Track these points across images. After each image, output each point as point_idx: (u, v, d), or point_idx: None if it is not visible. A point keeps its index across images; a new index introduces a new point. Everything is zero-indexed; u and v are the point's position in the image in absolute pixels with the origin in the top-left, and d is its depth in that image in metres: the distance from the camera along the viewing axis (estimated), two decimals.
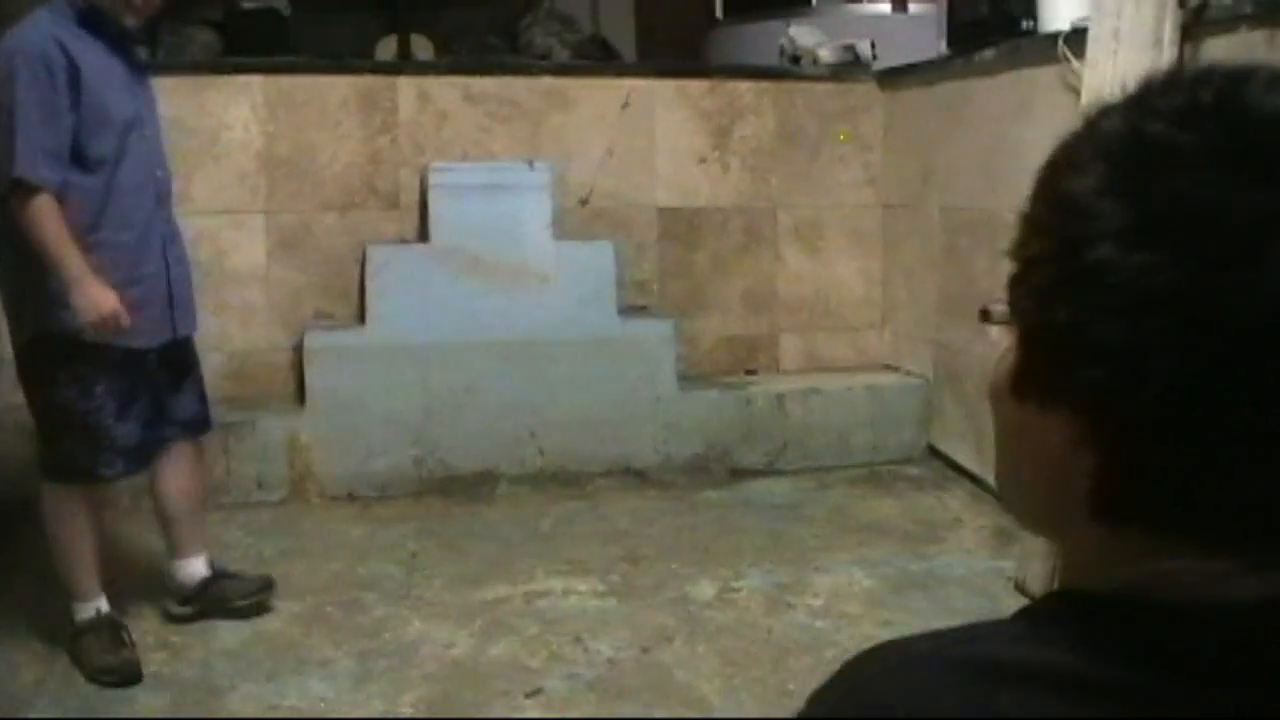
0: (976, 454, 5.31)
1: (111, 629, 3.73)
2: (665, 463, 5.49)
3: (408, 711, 3.45)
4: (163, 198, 3.77)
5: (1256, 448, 0.66)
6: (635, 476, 5.48)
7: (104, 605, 3.77)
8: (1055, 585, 0.79)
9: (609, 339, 5.51)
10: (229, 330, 5.61)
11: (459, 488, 5.35)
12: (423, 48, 7.61)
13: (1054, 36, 4.43)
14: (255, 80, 5.64)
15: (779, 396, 5.73)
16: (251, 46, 6.47)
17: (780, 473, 5.61)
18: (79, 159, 3.49)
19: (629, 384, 5.51)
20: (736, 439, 5.61)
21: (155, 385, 3.82)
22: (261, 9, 7.15)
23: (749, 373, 6.07)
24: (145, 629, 3.93)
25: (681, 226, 6.02)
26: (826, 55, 6.30)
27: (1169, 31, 3.74)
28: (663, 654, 3.79)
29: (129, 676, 3.61)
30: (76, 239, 3.46)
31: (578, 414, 5.45)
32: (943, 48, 5.88)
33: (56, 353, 3.57)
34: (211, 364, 5.56)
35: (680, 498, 5.23)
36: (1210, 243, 0.65)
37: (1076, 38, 4.20)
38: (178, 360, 3.88)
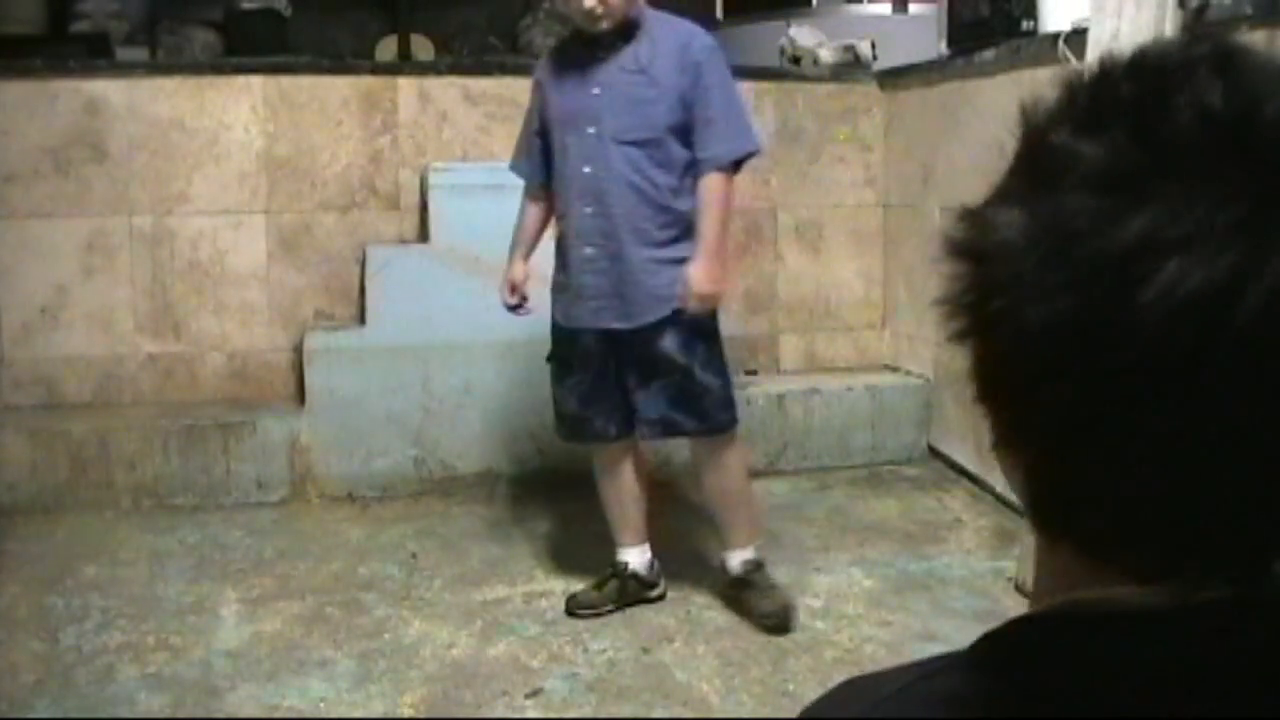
0: (977, 454, 5.31)
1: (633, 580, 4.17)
2: (664, 463, 5.48)
3: (408, 712, 3.45)
4: (591, 192, 3.89)
5: (1154, 469, 0.64)
6: None
7: (630, 557, 4.17)
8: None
9: None
10: (229, 330, 5.62)
11: (459, 488, 5.35)
12: (423, 48, 7.61)
13: (1054, 37, 4.43)
14: (255, 80, 5.64)
15: (779, 397, 5.73)
16: (252, 47, 6.48)
17: (780, 473, 5.61)
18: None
19: None
20: None
21: (620, 375, 3.99)
22: (262, 9, 7.15)
23: (749, 373, 6.06)
24: (145, 629, 3.93)
25: None
26: (827, 56, 6.30)
27: (1169, 32, 3.74)
28: (662, 654, 3.80)
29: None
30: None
31: None
32: (943, 48, 5.88)
33: None
34: (211, 364, 5.60)
35: (679, 498, 5.22)
36: (1092, 275, 0.63)
37: (1077, 38, 4.20)
38: (644, 359, 3.94)
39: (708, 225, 3.82)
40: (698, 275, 3.78)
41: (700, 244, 3.81)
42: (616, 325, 3.92)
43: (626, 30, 3.84)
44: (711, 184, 3.83)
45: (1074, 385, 0.65)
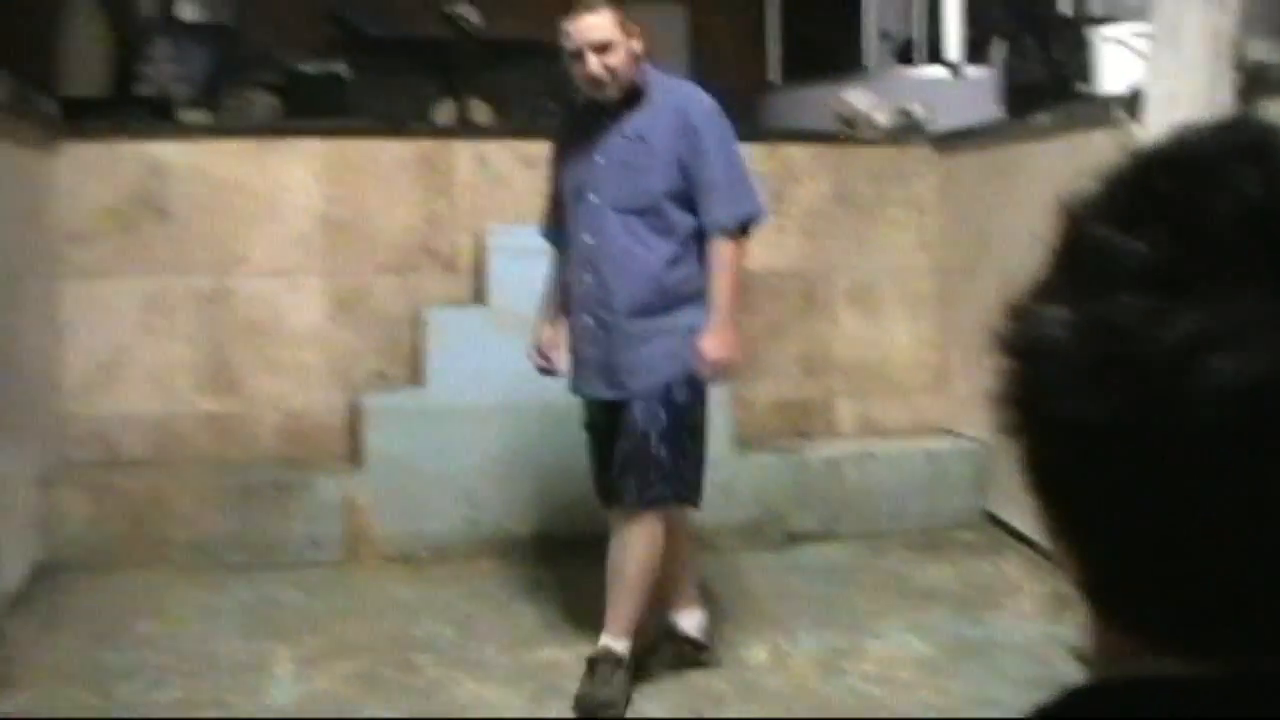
0: (1034, 520, 5.25)
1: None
2: (719, 526, 5.45)
3: None
4: (590, 262, 3.94)
5: (1205, 554, 0.65)
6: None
7: (679, 620, 4.15)
8: None
9: None
10: (286, 390, 5.66)
11: (513, 549, 5.34)
12: (480, 111, 7.68)
13: (1109, 99, 4.43)
14: (315, 143, 5.72)
15: (834, 460, 5.70)
16: (311, 110, 6.55)
17: (835, 537, 5.57)
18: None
19: None
20: (791, 503, 5.58)
21: (611, 442, 3.93)
22: (322, 73, 7.24)
23: (804, 436, 6.04)
24: (199, 687, 3.94)
25: None
26: (882, 119, 6.31)
27: (1225, 94, 3.73)
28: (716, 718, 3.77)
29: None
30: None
31: None
32: (998, 111, 5.88)
33: None
34: (268, 423, 5.63)
35: (734, 561, 5.20)
36: (1143, 373, 0.63)
37: (1132, 101, 4.19)
38: (619, 425, 3.89)
39: (719, 292, 3.79)
40: (711, 344, 3.76)
41: (712, 312, 3.79)
42: (606, 395, 3.92)
43: (632, 97, 3.85)
44: (719, 250, 3.81)
45: (1126, 479, 0.65)
